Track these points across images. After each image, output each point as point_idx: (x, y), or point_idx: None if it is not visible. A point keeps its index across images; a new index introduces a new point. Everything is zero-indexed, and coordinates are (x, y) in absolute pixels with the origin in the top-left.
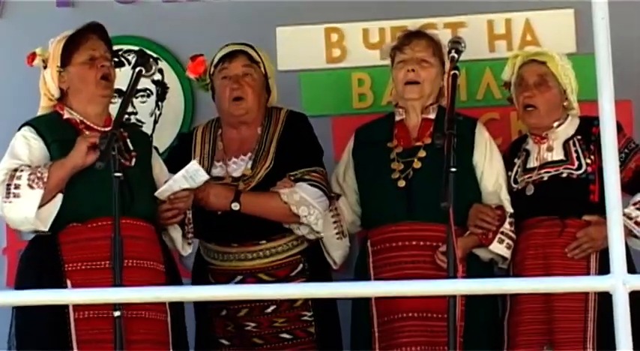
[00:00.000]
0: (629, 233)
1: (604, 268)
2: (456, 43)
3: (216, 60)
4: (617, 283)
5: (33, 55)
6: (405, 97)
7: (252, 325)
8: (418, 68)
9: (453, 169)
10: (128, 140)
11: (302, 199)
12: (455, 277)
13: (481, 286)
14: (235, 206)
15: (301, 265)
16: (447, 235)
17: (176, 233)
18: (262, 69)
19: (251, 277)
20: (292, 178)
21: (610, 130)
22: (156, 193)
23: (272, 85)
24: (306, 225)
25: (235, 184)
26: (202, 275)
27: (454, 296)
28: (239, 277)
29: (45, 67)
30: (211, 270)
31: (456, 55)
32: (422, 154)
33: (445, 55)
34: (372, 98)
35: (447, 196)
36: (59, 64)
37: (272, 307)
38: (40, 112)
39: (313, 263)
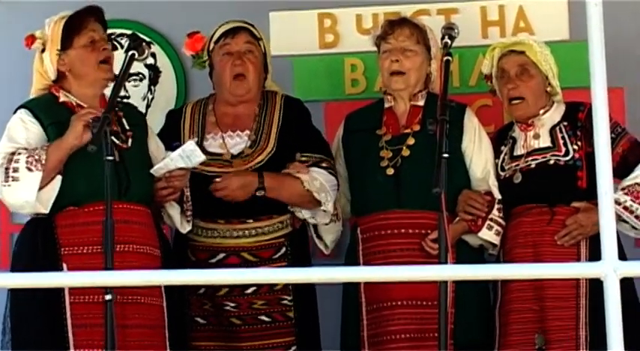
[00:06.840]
0: (618, 218)
1: (594, 255)
2: (449, 30)
3: (217, 36)
4: (608, 269)
5: (32, 38)
6: (392, 88)
7: (232, 305)
8: (402, 58)
9: (446, 155)
10: (124, 119)
11: (322, 186)
12: (446, 262)
13: (471, 272)
14: (260, 193)
15: (284, 249)
16: (438, 222)
17: (174, 211)
18: (262, 47)
19: (234, 255)
20: (306, 163)
21: (602, 116)
22: (151, 170)
23: (269, 63)
24: (320, 211)
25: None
26: (181, 252)
27: (445, 282)
28: (222, 255)
29: (43, 50)
30: (192, 246)
31: (449, 41)
32: (410, 141)
33: (431, 41)
34: (364, 84)
35: (439, 182)
36: (59, 47)
37: (252, 289)
38: (33, 94)
39: (296, 248)
